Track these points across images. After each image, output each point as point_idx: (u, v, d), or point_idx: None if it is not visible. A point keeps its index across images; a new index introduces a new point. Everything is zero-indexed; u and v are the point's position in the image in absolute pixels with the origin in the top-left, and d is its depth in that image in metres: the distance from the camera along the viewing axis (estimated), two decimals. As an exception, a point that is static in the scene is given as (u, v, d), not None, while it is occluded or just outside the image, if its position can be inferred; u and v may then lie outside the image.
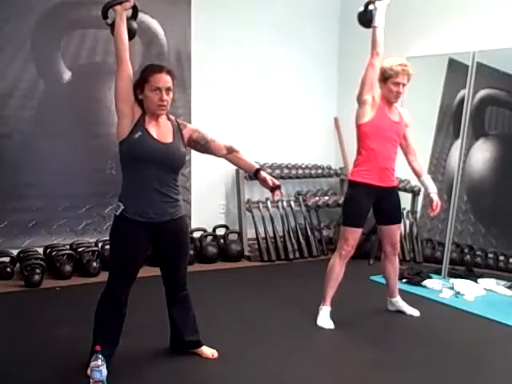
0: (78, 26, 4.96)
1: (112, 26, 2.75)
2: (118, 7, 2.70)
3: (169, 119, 2.82)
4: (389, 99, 3.53)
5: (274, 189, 2.85)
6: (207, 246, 5.36)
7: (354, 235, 3.56)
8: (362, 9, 3.54)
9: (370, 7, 3.49)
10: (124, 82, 2.67)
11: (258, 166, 2.93)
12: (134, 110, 2.69)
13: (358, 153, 3.59)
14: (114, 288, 2.78)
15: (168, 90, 2.68)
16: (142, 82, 2.68)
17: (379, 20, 3.46)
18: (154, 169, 2.69)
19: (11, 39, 4.67)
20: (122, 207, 2.70)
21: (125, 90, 2.66)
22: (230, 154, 2.92)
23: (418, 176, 3.76)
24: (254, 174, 2.90)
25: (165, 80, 2.67)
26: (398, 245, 3.81)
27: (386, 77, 3.49)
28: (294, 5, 6.07)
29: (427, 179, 3.76)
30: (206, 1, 5.49)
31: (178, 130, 2.81)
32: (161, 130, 2.74)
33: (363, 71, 3.50)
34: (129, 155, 2.69)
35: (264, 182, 2.86)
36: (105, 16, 2.79)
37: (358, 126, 3.55)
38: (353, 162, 3.66)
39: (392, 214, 3.70)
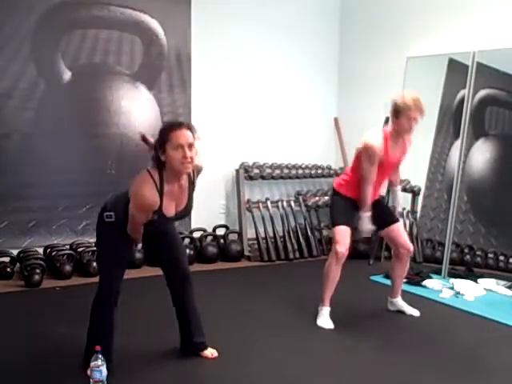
0: (78, 25, 4.97)
1: None
2: None
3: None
4: (403, 133, 3.45)
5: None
6: (207, 246, 5.36)
7: (343, 234, 3.54)
8: None
9: None
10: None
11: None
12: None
13: (353, 171, 3.56)
14: (108, 284, 2.78)
15: (190, 146, 2.53)
16: (162, 143, 2.54)
17: None
18: None
19: (11, 39, 4.67)
20: (114, 218, 2.72)
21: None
22: None
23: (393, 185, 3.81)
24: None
25: (186, 136, 2.53)
26: (411, 245, 3.73)
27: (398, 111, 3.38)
28: (294, 4, 6.08)
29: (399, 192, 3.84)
30: (205, 1, 5.49)
31: (192, 184, 2.78)
32: (177, 197, 2.70)
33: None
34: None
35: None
36: None
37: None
38: (344, 170, 3.62)
39: (384, 215, 3.69)
